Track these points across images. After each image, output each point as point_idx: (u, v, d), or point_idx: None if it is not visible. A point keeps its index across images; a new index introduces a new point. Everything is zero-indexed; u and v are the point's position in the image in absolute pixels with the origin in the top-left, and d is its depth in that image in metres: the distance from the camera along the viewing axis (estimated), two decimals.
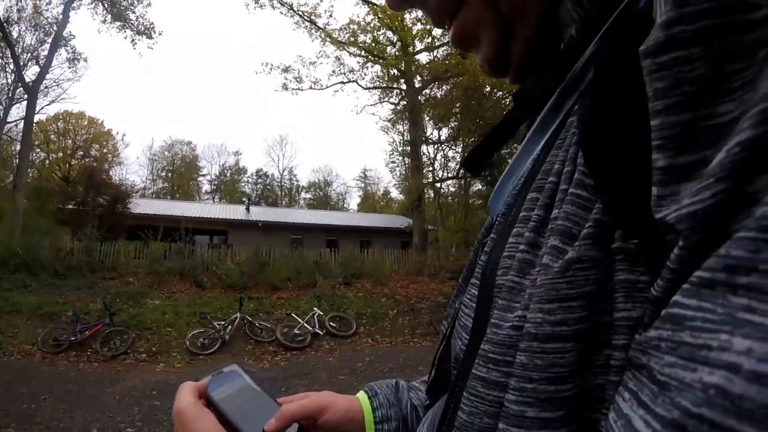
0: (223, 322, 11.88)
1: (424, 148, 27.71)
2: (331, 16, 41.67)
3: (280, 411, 0.58)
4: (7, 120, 27.20)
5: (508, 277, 0.35)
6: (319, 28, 25.35)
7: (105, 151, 45.06)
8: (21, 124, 25.52)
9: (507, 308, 0.34)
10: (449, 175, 29.66)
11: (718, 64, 0.21)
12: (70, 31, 27.62)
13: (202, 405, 0.55)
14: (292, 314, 12.97)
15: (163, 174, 58.27)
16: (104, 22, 26.37)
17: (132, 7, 26.27)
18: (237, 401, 0.58)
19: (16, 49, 24.87)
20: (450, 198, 31.09)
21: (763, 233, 0.18)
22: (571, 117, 0.37)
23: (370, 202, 58.65)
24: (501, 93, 26.27)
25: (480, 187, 29.85)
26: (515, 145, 0.56)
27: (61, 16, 25.27)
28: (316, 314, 12.87)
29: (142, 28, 26.47)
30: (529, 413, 0.28)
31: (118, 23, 26.15)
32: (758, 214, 0.18)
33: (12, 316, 11.27)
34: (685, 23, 0.21)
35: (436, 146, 29.23)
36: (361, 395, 0.69)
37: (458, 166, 29.00)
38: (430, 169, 29.06)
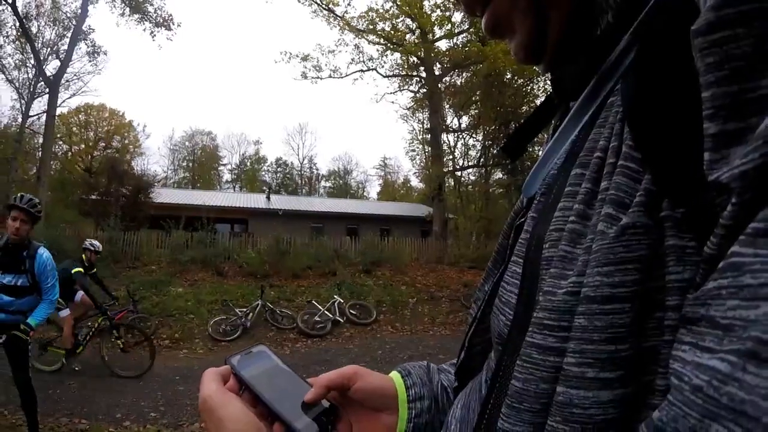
0: (244, 310, 11.95)
1: (444, 136, 27.56)
2: (349, 4, 41.52)
3: (316, 380, 0.60)
4: (30, 113, 27.65)
5: (560, 247, 0.36)
6: (338, 16, 25.24)
7: (126, 142, 45.59)
8: (43, 118, 25.94)
9: (560, 276, 0.35)
10: (470, 163, 29.54)
11: (760, 42, 0.23)
12: (89, 25, 27.90)
13: (226, 390, 0.54)
14: (313, 302, 12.98)
15: (184, 164, 58.82)
16: (123, 15, 26.58)
17: (150, 0, 26.40)
18: (267, 379, 0.58)
19: (36, 44, 25.17)
20: (470, 186, 30.94)
21: None
22: (611, 98, 0.39)
23: (389, 190, 58.64)
24: (522, 80, 26.09)
25: (501, 175, 29.68)
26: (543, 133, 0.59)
27: (79, 11, 25.52)
28: (337, 302, 12.89)
29: (161, 20, 26.62)
30: (590, 374, 0.29)
31: (136, 16, 26.29)
32: None
33: None
34: (730, 6, 0.23)
35: (456, 134, 29.11)
36: (395, 374, 0.69)
37: (479, 155, 28.84)
38: (451, 157, 28.98)
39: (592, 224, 0.34)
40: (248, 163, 62.78)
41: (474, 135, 28.98)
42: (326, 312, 12.41)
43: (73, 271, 7.70)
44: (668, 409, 0.22)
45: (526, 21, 0.44)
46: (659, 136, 0.30)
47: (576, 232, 0.35)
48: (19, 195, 4.34)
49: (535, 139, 0.59)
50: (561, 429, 0.30)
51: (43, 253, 4.51)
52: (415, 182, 51.58)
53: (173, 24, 26.81)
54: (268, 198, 30.60)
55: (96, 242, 8.84)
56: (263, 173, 62.47)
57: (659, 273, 0.29)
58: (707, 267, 0.25)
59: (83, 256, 8.40)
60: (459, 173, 29.53)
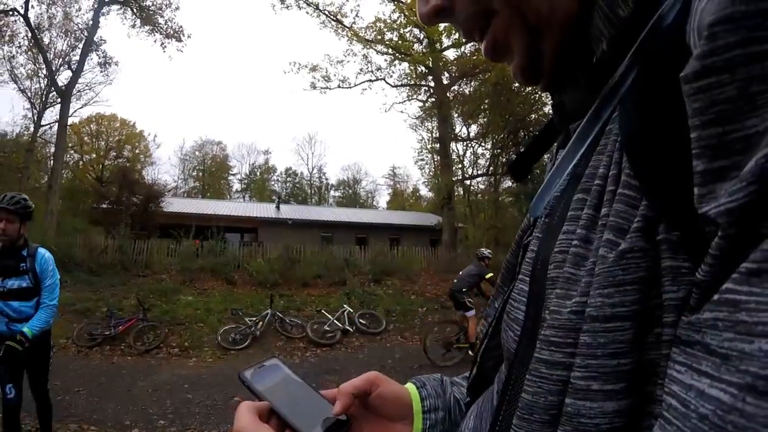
0: (254, 319, 11.91)
1: (453, 145, 27.53)
2: (357, 15, 41.76)
3: (340, 389, 0.60)
4: (42, 123, 27.85)
5: (564, 269, 0.39)
6: (346, 27, 25.37)
7: (137, 151, 45.97)
8: (55, 127, 26.14)
9: (565, 296, 0.37)
10: (479, 172, 29.47)
11: (744, 88, 0.25)
12: (100, 36, 28.24)
13: (260, 421, 0.55)
14: (322, 311, 12.93)
15: (194, 173, 59.15)
16: (133, 26, 26.85)
17: (160, 12, 26.64)
18: (281, 392, 0.60)
19: (48, 54, 25.44)
20: (479, 195, 30.87)
21: None
22: (609, 125, 0.41)
23: (399, 199, 58.65)
24: (529, 89, 26.05)
25: (510, 184, 29.60)
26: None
27: (91, 22, 25.78)
28: (346, 311, 12.82)
29: (171, 32, 26.86)
30: (594, 386, 0.32)
31: (147, 27, 26.54)
32: None
33: None
34: (716, 55, 0.25)
35: (465, 143, 29.06)
36: (409, 385, 0.70)
37: (488, 163, 28.80)
38: (460, 166, 28.92)
39: (594, 248, 0.36)
40: (258, 173, 63.11)
41: (483, 143, 28.94)
42: (336, 321, 12.35)
43: None
44: None
45: (520, 43, 0.46)
46: (655, 165, 0.32)
47: (579, 255, 0.38)
48: (1, 195, 4.12)
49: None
50: None
51: (45, 252, 4.36)
52: (424, 191, 51.67)
53: (183, 35, 27.08)
54: (278, 207, 30.72)
55: None
56: (273, 183, 62.81)
57: (656, 292, 0.31)
58: (699, 293, 0.27)
59: None
60: (468, 182, 29.50)
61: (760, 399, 0.21)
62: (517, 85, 25.00)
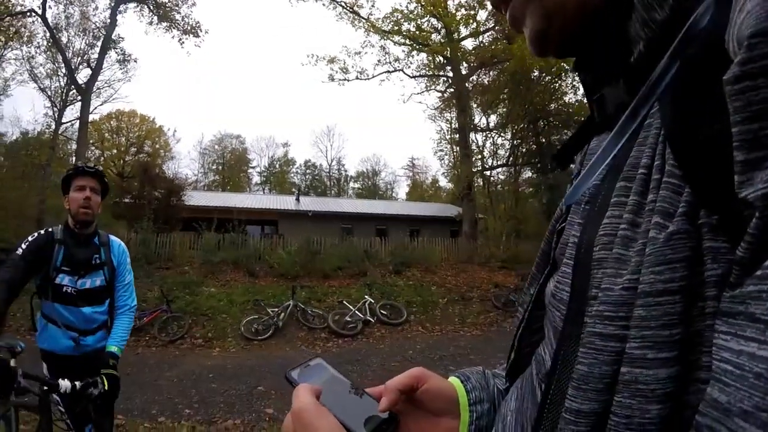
0: (276, 309, 12.04)
1: (472, 135, 27.33)
2: (373, 5, 41.58)
3: (387, 386, 0.62)
4: (62, 120, 28.22)
5: (613, 251, 0.42)
6: (363, 18, 25.28)
7: (157, 146, 46.37)
8: (76, 124, 26.51)
9: (615, 275, 0.40)
10: (499, 162, 29.23)
11: None
12: (118, 34, 28.36)
13: (320, 404, 0.56)
14: (344, 302, 13.03)
15: (214, 167, 59.55)
16: (151, 23, 27.06)
17: (177, 8, 26.81)
18: (327, 390, 0.60)
19: (67, 53, 25.76)
20: (499, 186, 30.64)
21: None
22: (648, 120, 0.45)
23: (418, 190, 58.49)
24: (549, 77, 25.76)
25: (530, 174, 29.35)
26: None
27: (108, 20, 26.03)
28: (367, 302, 12.91)
29: (189, 28, 27.02)
30: (650, 355, 0.35)
31: (164, 24, 26.74)
32: None
33: None
34: (753, 62, 0.29)
35: (484, 133, 28.81)
36: (454, 380, 0.71)
37: (508, 154, 28.55)
38: (479, 156, 28.70)
39: (642, 231, 0.40)
40: (277, 166, 63.36)
41: (502, 134, 28.66)
42: (357, 312, 12.43)
43: None
44: (734, 392, 0.27)
45: (532, 21, 0.52)
46: (696, 157, 0.36)
47: (628, 237, 0.41)
48: (79, 162, 3.32)
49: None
50: (628, 403, 0.35)
51: (119, 241, 3.36)
52: (443, 182, 51.39)
53: (201, 31, 27.24)
54: (298, 200, 30.79)
55: None
56: (292, 175, 63.04)
57: (699, 269, 0.35)
58: (740, 269, 0.30)
59: None
60: (488, 173, 29.27)
61: None
62: (536, 74, 24.89)
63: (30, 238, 3.00)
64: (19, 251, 2.89)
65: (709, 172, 0.35)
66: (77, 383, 2.57)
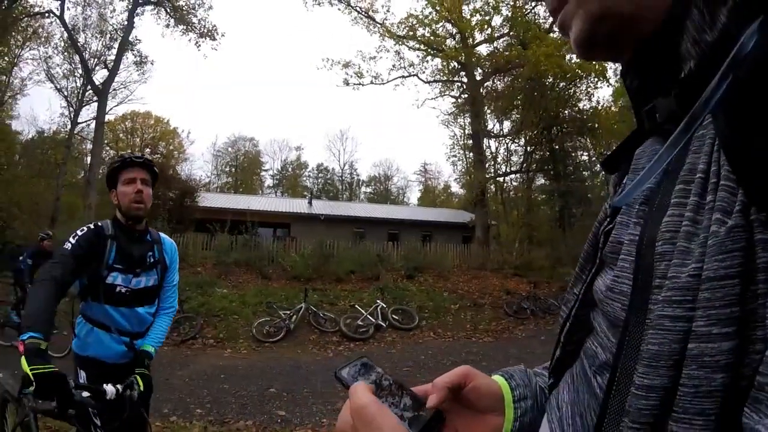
0: (288, 312, 12.04)
1: (486, 141, 27.28)
2: (388, 11, 41.68)
3: (434, 383, 0.65)
4: (78, 121, 28.49)
5: (678, 244, 0.47)
6: (377, 23, 25.35)
7: (171, 148, 46.70)
8: (92, 125, 26.77)
9: (680, 264, 0.45)
10: (512, 169, 29.12)
11: None
12: (135, 36, 28.65)
13: (380, 401, 0.58)
14: (356, 306, 13.03)
15: (227, 169, 59.82)
16: (167, 26, 27.29)
17: (194, 11, 27.01)
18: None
19: (84, 54, 26.03)
20: (513, 192, 30.54)
21: None
22: (700, 131, 0.50)
23: (430, 196, 58.44)
24: (563, 84, 25.67)
25: (543, 181, 29.22)
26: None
27: (126, 23, 26.27)
28: (379, 306, 12.89)
29: (205, 31, 27.19)
30: (714, 330, 0.40)
31: (181, 27, 26.94)
32: None
33: None
34: None
35: (498, 139, 28.73)
36: (498, 378, 0.75)
37: (521, 160, 28.44)
38: (493, 163, 28.61)
39: (703, 227, 0.45)
40: (290, 169, 63.52)
41: (516, 140, 28.57)
42: (369, 316, 12.40)
43: None
44: None
45: (577, 29, 0.56)
46: (749, 164, 0.40)
47: (690, 232, 0.46)
48: (126, 152, 3.05)
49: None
50: (696, 374, 0.40)
51: (170, 239, 3.21)
52: (455, 188, 51.31)
53: (217, 34, 27.41)
54: (310, 203, 30.87)
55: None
56: (304, 179, 63.18)
57: (753, 257, 0.39)
58: None
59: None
60: (501, 179, 29.18)
61: None
62: (550, 80, 24.78)
63: (79, 233, 2.73)
64: (68, 246, 2.63)
65: (760, 177, 0.39)
66: (119, 386, 2.35)
